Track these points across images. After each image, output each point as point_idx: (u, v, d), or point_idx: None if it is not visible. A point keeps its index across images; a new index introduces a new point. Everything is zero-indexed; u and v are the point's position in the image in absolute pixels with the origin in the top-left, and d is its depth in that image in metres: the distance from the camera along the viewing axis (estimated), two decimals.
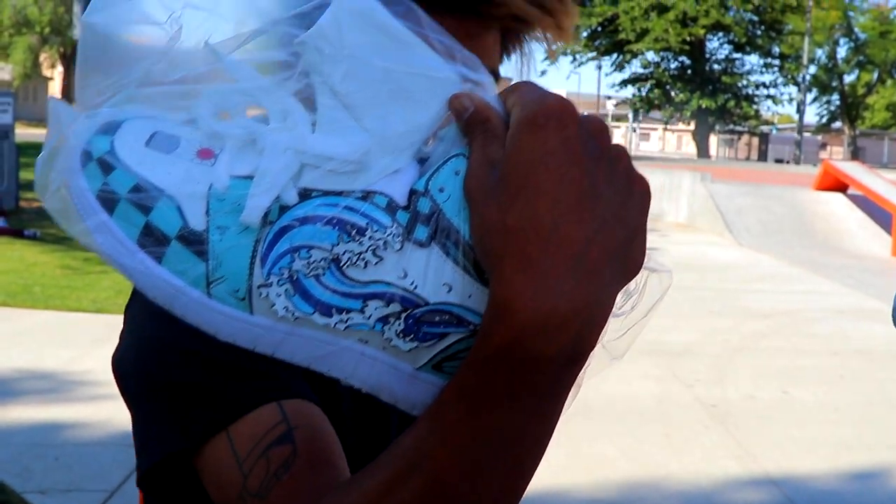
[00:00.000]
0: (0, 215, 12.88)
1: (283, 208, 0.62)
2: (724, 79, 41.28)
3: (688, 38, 37.73)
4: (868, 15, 61.18)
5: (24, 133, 23.62)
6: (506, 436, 0.61)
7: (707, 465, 5.71)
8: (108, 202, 0.64)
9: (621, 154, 0.62)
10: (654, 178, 20.70)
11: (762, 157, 66.19)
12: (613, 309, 0.61)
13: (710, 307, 10.50)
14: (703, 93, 40.06)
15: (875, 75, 64.29)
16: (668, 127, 53.88)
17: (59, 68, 60.16)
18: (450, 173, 0.64)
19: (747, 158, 66.46)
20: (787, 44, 43.94)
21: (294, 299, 0.62)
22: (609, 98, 48.00)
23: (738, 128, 46.40)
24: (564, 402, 0.63)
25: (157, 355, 0.91)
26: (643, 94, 42.81)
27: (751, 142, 68.14)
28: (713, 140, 58.30)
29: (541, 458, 0.64)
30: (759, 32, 41.86)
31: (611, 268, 0.59)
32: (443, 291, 0.62)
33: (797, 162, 47.93)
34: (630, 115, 65.17)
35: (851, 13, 60.09)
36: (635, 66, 42.69)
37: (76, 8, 19.48)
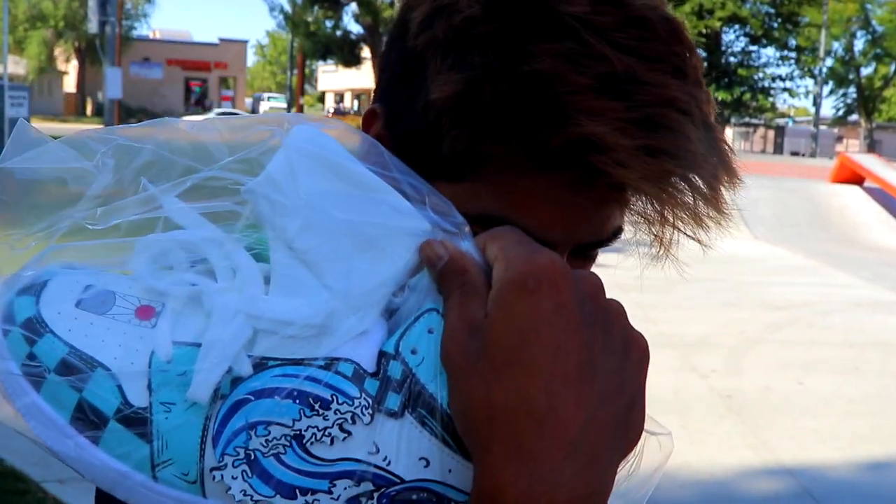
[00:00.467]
0: None
1: (235, 380, 0.55)
2: (741, 71, 41.17)
3: (704, 31, 37.61)
4: (886, 7, 60.90)
5: (38, 127, 23.62)
6: None
7: (723, 455, 5.73)
8: (35, 379, 0.56)
9: (618, 314, 0.56)
10: None
11: (778, 149, 65.95)
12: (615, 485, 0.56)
13: (726, 299, 10.48)
14: (718, 85, 39.99)
15: (892, 68, 64.00)
16: None
17: (74, 62, 60.43)
18: (422, 332, 0.57)
19: (763, 151, 66.22)
20: (803, 36, 43.79)
21: (252, 481, 0.55)
22: None
23: (754, 121, 46.27)
24: None
25: None
26: None
27: (766, 135, 67.90)
28: (729, 133, 58.16)
29: None
30: (775, 25, 41.74)
31: (610, 445, 0.53)
32: (419, 467, 0.56)
33: (813, 155, 47.82)
34: None
35: (869, 5, 59.75)
36: None
37: (91, 2, 19.54)
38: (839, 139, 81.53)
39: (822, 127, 60.95)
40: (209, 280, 0.59)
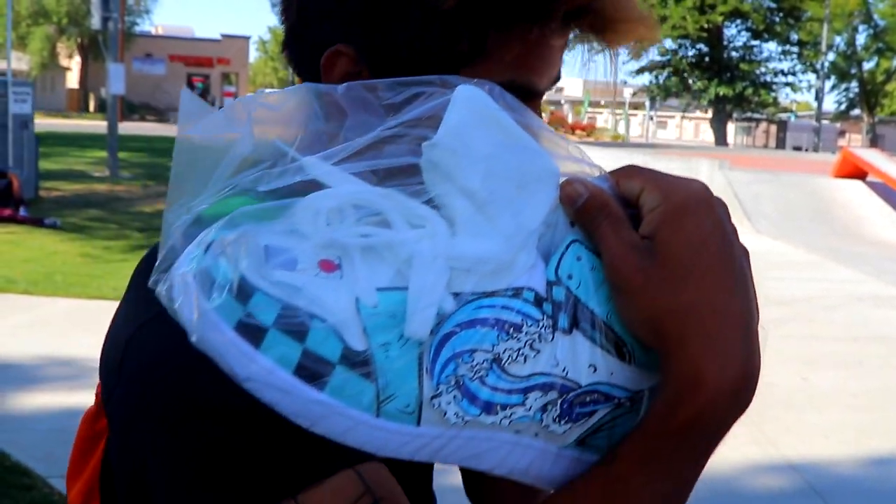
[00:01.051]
0: (20, 204, 12.96)
1: (440, 316, 0.63)
2: (742, 66, 41.10)
3: (706, 26, 37.61)
4: (888, 1, 60.90)
5: (42, 123, 23.70)
6: (674, 496, 0.67)
7: (727, 451, 5.70)
8: (255, 333, 0.61)
9: (735, 226, 0.68)
10: (672, 166, 20.70)
11: (780, 144, 65.93)
12: None
13: None
14: (720, 80, 39.95)
15: (894, 62, 64.01)
16: (686, 115, 53.70)
17: (77, 58, 60.45)
18: (572, 260, 0.67)
19: (765, 146, 66.24)
20: (805, 31, 43.73)
21: (462, 404, 0.63)
22: (626, 85, 47.83)
23: (756, 115, 46.25)
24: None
25: (212, 392, 0.73)
26: (660, 81, 42.69)
27: (769, 129, 67.87)
28: (731, 128, 58.15)
29: None
30: (777, 19, 41.69)
31: (756, 329, 0.66)
32: (589, 372, 0.66)
33: (815, 149, 47.79)
34: (647, 104, 65.11)
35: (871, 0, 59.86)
36: (653, 54, 42.60)
37: None
38: (841, 134, 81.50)
39: (825, 122, 60.91)
40: (384, 230, 0.64)
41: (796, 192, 18.22)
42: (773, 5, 41.11)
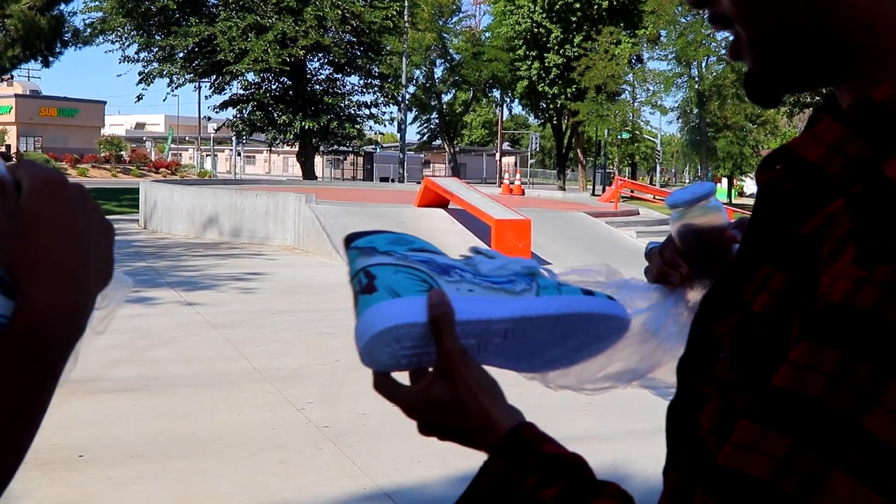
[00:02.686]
0: None
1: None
2: (326, 99, 41.58)
3: (288, 59, 37.73)
4: (461, 36, 64.19)
5: None
6: (17, 403, 0.79)
7: (323, 487, 5.57)
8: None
9: (97, 206, 0.87)
10: (260, 202, 20.42)
11: (368, 176, 67.77)
12: (95, 305, 0.85)
13: (320, 328, 10.30)
14: (305, 114, 40.20)
15: (471, 94, 67.52)
16: (273, 149, 53.80)
17: None
18: None
19: (353, 178, 67.85)
20: (386, 64, 45.00)
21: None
22: (209, 120, 47.14)
23: (343, 148, 47.04)
24: (61, 374, 0.82)
25: None
26: (245, 116, 42.42)
27: (356, 161, 69.62)
28: (319, 161, 58.96)
29: (37, 429, 0.81)
30: (358, 53, 42.58)
31: (94, 280, 0.84)
32: None
33: (402, 180, 49.31)
34: (233, 139, 64.75)
35: (446, 35, 62.80)
36: (236, 88, 42.29)
37: None
38: (427, 164, 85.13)
39: (410, 152, 63.19)
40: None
41: (383, 223, 18.41)
42: (354, 39, 41.94)
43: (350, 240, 1.11)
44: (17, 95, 72.96)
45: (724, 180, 64.14)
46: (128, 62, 40.56)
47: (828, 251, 0.74)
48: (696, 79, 53.40)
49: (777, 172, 0.84)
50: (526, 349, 1.16)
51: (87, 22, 39.44)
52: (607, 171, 67.78)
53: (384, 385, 1.10)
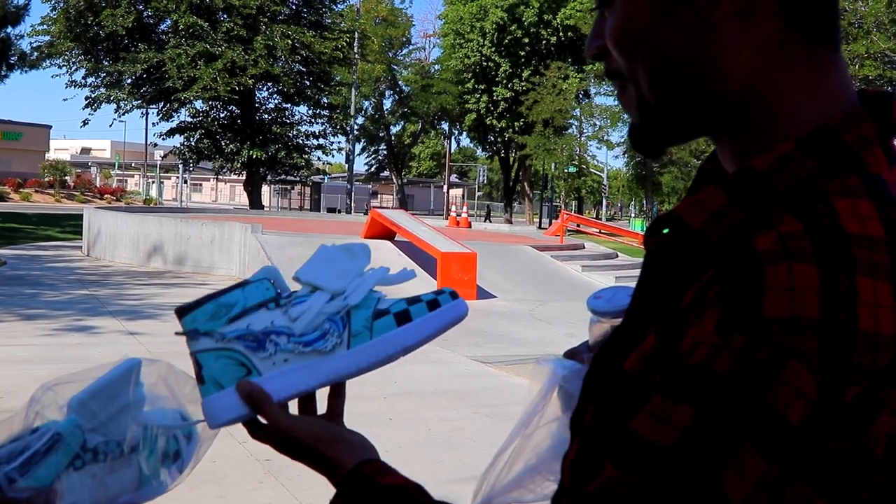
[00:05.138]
0: None
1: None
2: (275, 129, 41.52)
3: (237, 88, 37.64)
4: (411, 69, 64.49)
5: None
6: None
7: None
8: None
9: None
10: (206, 231, 20.29)
11: (315, 206, 67.62)
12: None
13: None
14: (253, 143, 40.09)
15: (419, 126, 67.77)
16: (220, 178, 53.59)
17: None
18: None
19: (301, 208, 67.68)
20: (335, 95, 45.06)
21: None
22: (156, 146, 46.88)
23: (290, 178, 46.98)
24: None
25: None
26: (192, 143, 42.23)
27: (304, 191, 69.50)
28: (266, 190, 58.73)
29: None
30: (307, 83, 42.58)
31: None
32: None
33: (349, 211, 49.28)
34: (180, 166, 64.40)
35: (395, 67, 63.07)
36: (183, 115, 42.09)
37: None
38: (374, 194, 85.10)
39: (357, 183, 63.22)
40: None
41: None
42: (303, 69, 41.94)
43: (179, 314, 1.16)
44: None
45: None
46: (75, 87, 40.28)
47: (695, 312, 0.77)
48: None
49: (663, 237, 0.87)
50: None
51: (35, 45, 39.17)
52: (554, 204, 68.22)
53: (256, 435, 1.23)
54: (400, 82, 64.22)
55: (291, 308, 1.15)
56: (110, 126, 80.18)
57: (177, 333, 1.15)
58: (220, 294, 1.14)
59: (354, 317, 1.17)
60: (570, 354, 1.62)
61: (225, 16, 39.11)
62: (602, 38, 0.92)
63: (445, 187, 76.80)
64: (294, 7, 42.25)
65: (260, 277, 1.16)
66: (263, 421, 1.16)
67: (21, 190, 63.55)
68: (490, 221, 44.20)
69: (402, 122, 67.68)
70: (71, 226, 33.10)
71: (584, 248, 25.18)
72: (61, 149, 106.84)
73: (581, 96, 59.98)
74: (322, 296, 1.15)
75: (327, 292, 1.15)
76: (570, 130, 59.86)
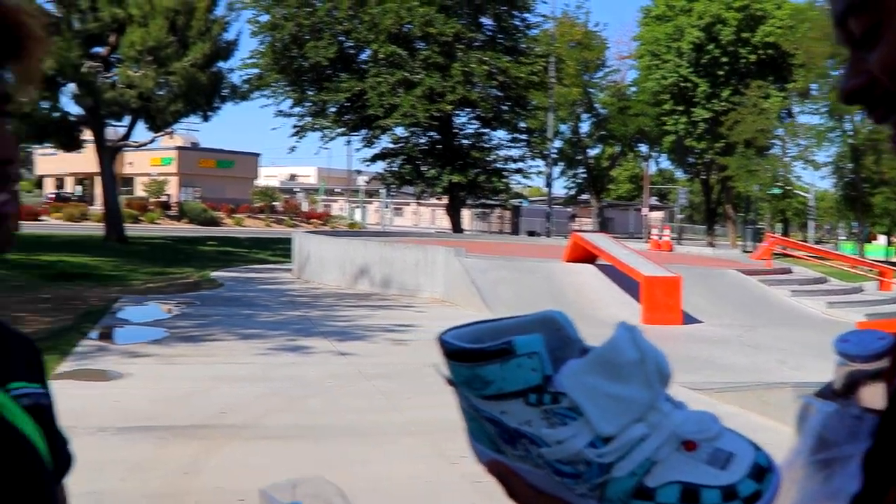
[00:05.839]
0: None
1: None
2: (474, 153, 41.95)
3: (436, 114, 38.20)
4: (607, 91, 64.12)
5: None
6: None
7: None
8: None
9: None
10: (410, 254, 20.63)
11: (515, 229, 67.85)
12: None
13: None
14: (453, 168, 40.59)
15: (617, 148, 67.27)
16: (421, 202, 54.39)
17: None
18: None
19: (500, 231, 68.05)
20: (532, 119, 45.21)
21: None
22: (360, 173, 47.91)
23: (490, 202, 47.31)
24: None
25: None
26: (394, 169, 43.05)
27: (503, 215, 69.91)
28: (466, 214, 59.36)
29: None
30: (504, 108, 42.86)
31: None
32: None
33: (548, 234, 49.25)
34: (382, 191, 65.69)
35: (591, 90, 62.84)
36: (385, 141, 42.97)
37: None
38: (573, 217, 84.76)
39: (556, 206, 63.16)
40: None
41: (532, 277, 18.43)
42: (500, 94, 42.25)
43: (442, 350, 0.93)
44: (178, 148, 75.51)
45: (882, 238, 62.33)
46: (282, 116, 41.72)
47: None
48: (850, 133, 52.04)
49: None
50: None
51: (245, 78, 40.72)
52: (758, 226, 66.52)
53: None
54: (596, 105, 63.91)
55: (551, 426, 0.88)
56: (316, 153, 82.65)
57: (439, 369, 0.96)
58: (478, 355, 0.88)
59: (611, 486, 0.88)
60: (819, 395, 1.57)
61: (422, 44, 39.77)
62: (862, 75, 0.88)
63: (645, 210, 76.00)
64: (489, 33, 42.63)
65: (527, 348, 0.88)
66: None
67: (234, 215, 66.13)
68: (680, 244, 43.42)
69: (599, 145, 67.31)
70: (280, 249, 34.18)
71: (791, 272, 24.46)
72: (270, 175, 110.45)
73: (784, 115, 58.40)
74: (583, 433, 0.86)
75: (590, 431, 0.85)
76: (773, 150, 58.36)
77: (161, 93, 33.62)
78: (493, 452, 0.91)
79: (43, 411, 1.16)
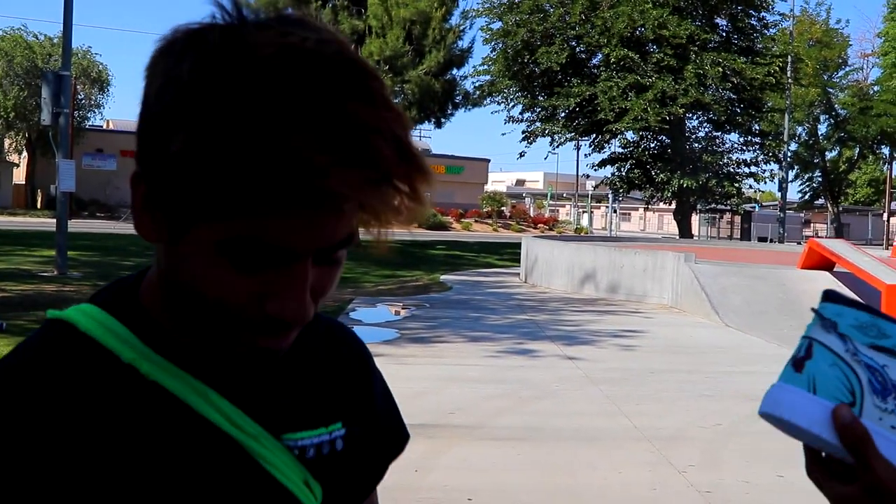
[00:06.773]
0: None
1: None
2: (705, 157, 41.15)
3: (667, 118, 37.68)
4: (847, 91, 61.72)
5: None
6: None
7: None
8: None
9: None
10: (639, 260, 20.46)
11: (745, 235, 66.24)
12: None
13: (700, 390, 10.15)
14: (683, 172, 39.93)
15: (856, 151, 64.72)
16: (649, 207, 53.69)
17: (24, 154, 59.64)
18: None
19: (730, 237, 66.53)
20: (767, 121, 44.00)
21: None
22: (588, 178, 47.77)
23: (720, 206, 46.31)
24: None
25: None
26: (623, 173, 42.72)
27: (733, 220, 68.28)
28: (695, 219, 58.36)
29: None
30: (738, 110, 41.86)
31: None
32: None
33: (781, 240, 47.90)
34: (610, 196, 65.24)
35: (831, 90, 60.63)
36: (614, 146, 42.64)
37: (45, 93, 19.15)
38: (806, 223, 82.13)
39: (789, 211, 61.34)
40: None
41: (764, 285, 17.97)
42: (734, 96, 41.31)
43: (825, 297, 1.04)
44: None
45: None
46: (512, 122, 42.01)
47: None
48: None
49: None
50: None
51: (477, 85, 41.20)
52: None
53: (813, 473, 1.11)
54: (836, 106, 61.67)
55: None
56: (545, 159, 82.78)
57: (813, 309, 1.04)
58: (884, 316, 1.00)
59: None
60: None
61: (655, 47, 39.30)
62: None
63: (885, 215, 72.85)
64: (724, 34, 41.72)
65: None
66: (846, 461, 1.02)
67: (462, 220, 67.09)
68: None
69: (838, 148, 64.95)
70: (508, 253, 34.49)
71: None
72: (498, 181, 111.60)
73: None
74: None
75: None
76: None
77: (396, 101, 34.48)
78: (831, 402, 0.99)
79: (333, 458, 1.11)
